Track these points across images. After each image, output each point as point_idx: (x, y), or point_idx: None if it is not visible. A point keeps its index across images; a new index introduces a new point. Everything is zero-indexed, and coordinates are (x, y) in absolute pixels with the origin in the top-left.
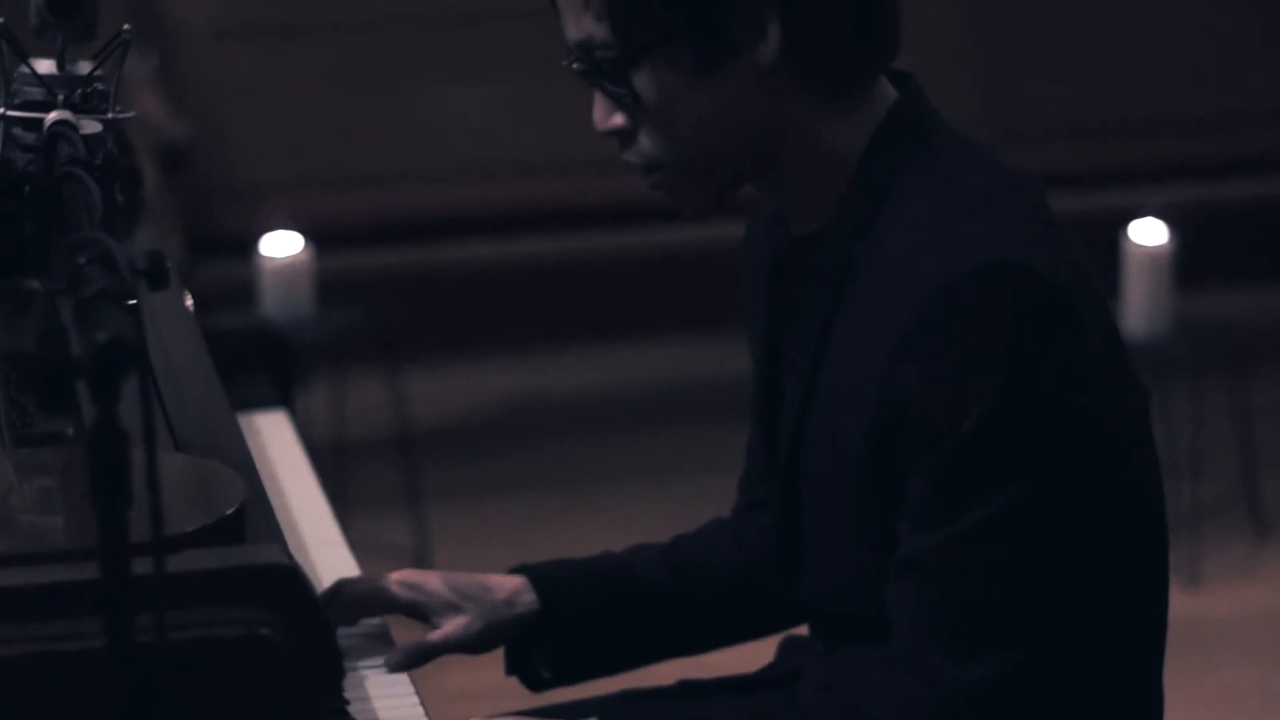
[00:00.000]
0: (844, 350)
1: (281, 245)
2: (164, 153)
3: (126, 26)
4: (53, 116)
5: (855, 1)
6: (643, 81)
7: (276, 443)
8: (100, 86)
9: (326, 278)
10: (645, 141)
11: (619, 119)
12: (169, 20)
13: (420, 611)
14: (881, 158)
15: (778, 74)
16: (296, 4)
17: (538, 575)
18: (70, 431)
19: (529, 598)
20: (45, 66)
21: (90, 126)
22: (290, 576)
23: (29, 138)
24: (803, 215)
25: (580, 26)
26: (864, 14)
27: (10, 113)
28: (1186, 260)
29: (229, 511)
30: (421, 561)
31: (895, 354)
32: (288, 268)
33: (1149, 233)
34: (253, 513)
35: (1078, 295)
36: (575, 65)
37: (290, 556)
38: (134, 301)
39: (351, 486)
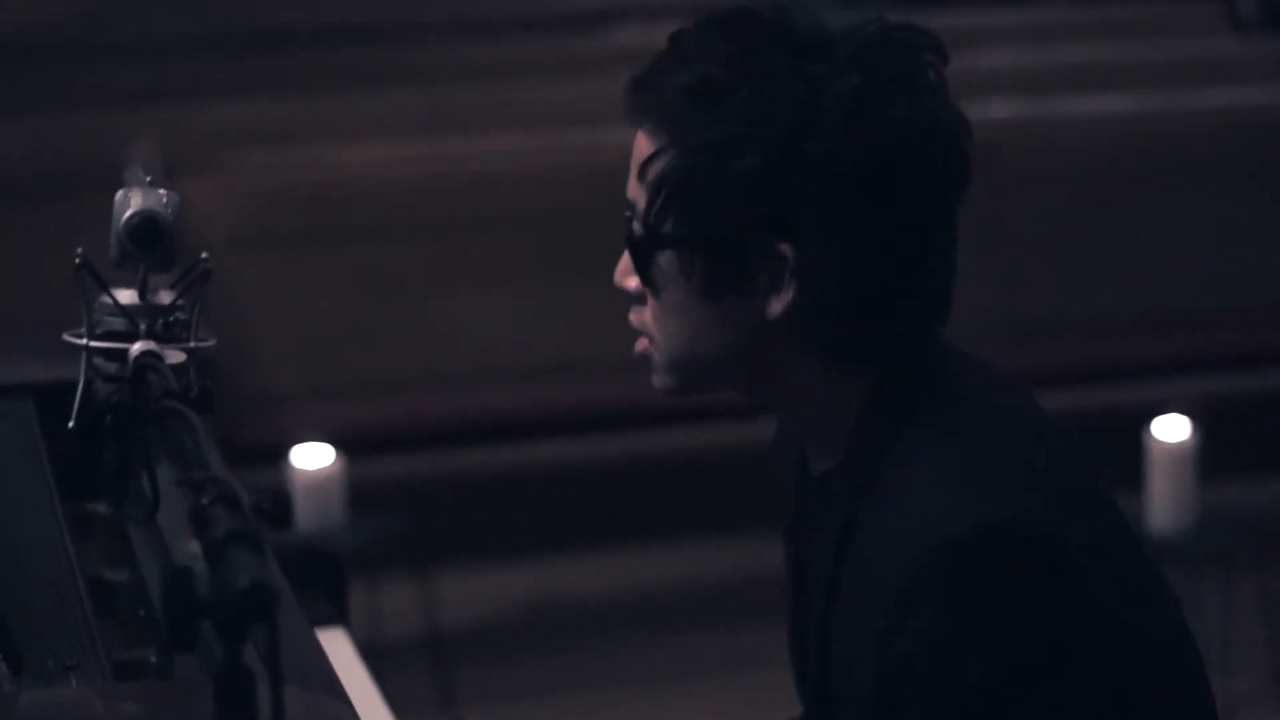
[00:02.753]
0: (849, 606)
1: (313, 457)
2: None
3: (204, 255)
4: (138, 348)
5: (884, 290)
6: (659, 268)
7: (340, 662)
8: (181, 316)
9: (353, 486)
10: (648, 316)
11: (633, 283)
12: (186, 231)
13: None
14: (882, 411)
15: (781, 327)
16: (312, 212)
17: None
18: (152, 660)
19: None
20: (126, 296)
21: (174, 356)
22: None
23: (111, 368)
24: (817, 453)
25: (633, 186)
26: (891, 302)
27: (94, 344)
28: (1210, 452)
29: None
30: None
31: (892, 615)
32: (321, 480)
33: (1172, 428)
34: None
35: (1078, 538)
36: (626, 214)
37: None
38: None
39: (385, 693)
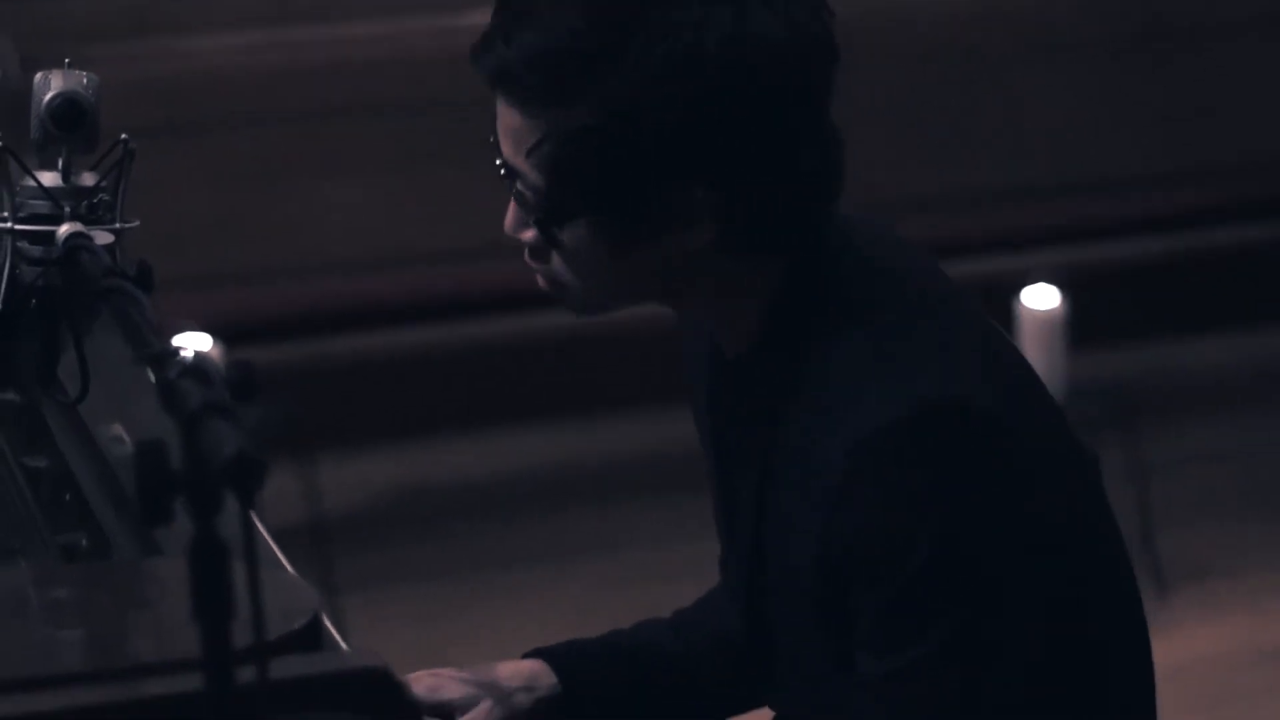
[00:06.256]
0: (783, 492)
1: (190, 345)
2: None
3: (124, 136)
4: (65, 229)
5: (797, 195)
6: (563, 233)
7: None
8: (105, 197)
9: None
10: (555, 268)
11: (529, 235)
12: None
13: (444, 711)
14: (797, 293)
15: (703, 253)
16: (170, 103)
17: (554, 657)
18: (84, 543)
19: (549, 680)
20: (48, 179)
21: (103, 238)
22: (387, 680)
23: (35, 251)
24: (729, 337)
25: (515, 157)
26: (805, 202)
27: (19, 227)
28: (1078, 322)
29: (308, 619)
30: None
31: (832, 502)
32: None
33: (1041, 297)
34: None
35: (1006, 404)
36: (502, 173)
37: (384, 660)
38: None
39: None
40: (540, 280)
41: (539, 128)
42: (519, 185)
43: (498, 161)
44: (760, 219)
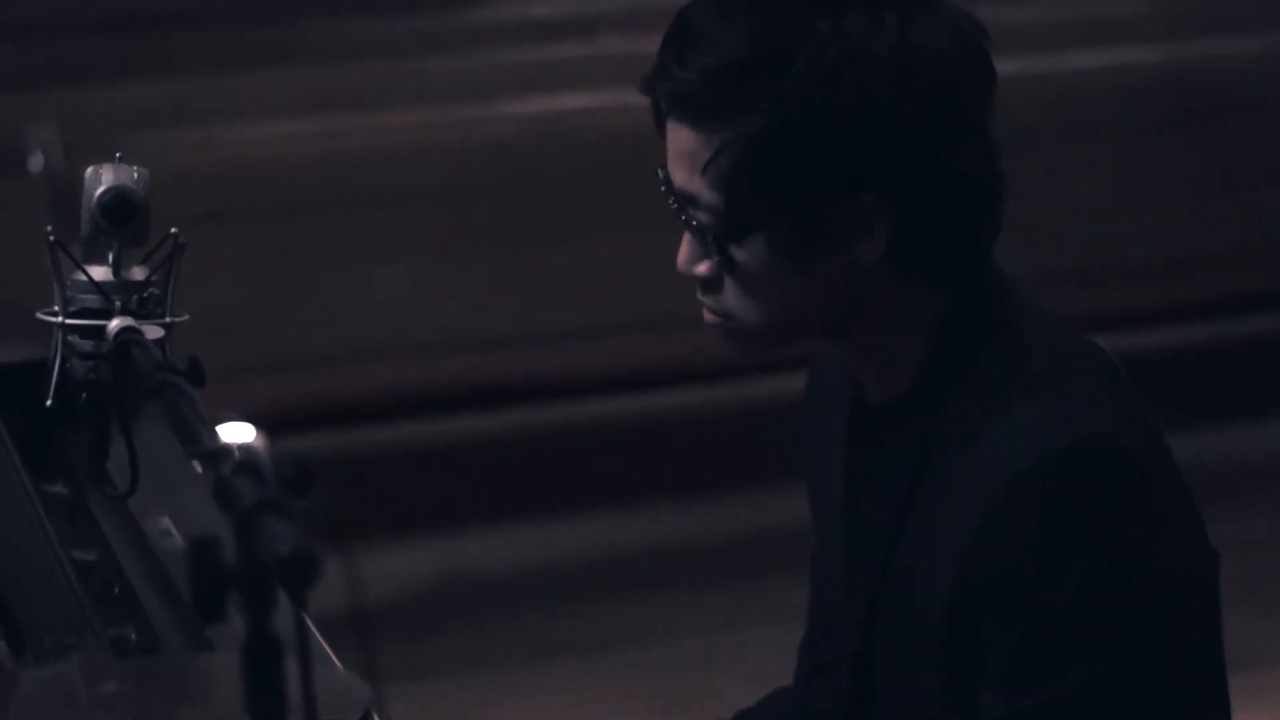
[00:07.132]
0: (923, 526)
1: (236, 435)
2: None
3: (174, 230)
4: (116, 324)
5: (966, 211)
6: (740, 252)
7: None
8: (155, 291)
9: None
10: (728, 297)
11: (704, 268)
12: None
13: None
14: (956, 331)
15: (872, 270)
16: (211, 192)
17: None
18: (132, 637)
19: None
20: (98, 273)
21: (153, 332)
22: None
23: (86, 345)
24: (877, 383)
25: (690, 180)
26: (973, 220)
27: (71, 321)
28: None
29: (359, 716)
30: None
31: (979, 536)
32: None
33: None
34: None
35: (1155, 462)
36: (672, 204)
37: None
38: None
39: None
40: (708, 315)
41: (714, 143)
42: (693, 212)
43: (670, 196)
44: (929, 232)
